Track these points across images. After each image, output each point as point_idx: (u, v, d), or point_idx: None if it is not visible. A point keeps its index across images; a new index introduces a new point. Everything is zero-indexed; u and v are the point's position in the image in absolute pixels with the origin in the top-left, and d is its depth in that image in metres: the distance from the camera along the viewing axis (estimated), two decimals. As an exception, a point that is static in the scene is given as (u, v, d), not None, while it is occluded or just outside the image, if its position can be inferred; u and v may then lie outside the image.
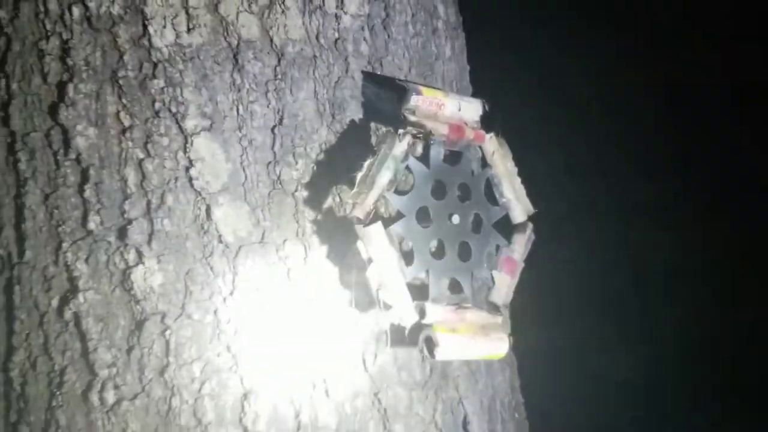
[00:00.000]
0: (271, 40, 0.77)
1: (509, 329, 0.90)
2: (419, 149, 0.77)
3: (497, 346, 0.76)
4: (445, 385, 0.84)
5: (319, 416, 0.76)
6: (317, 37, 0.79)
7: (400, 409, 0.80)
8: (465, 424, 0.84)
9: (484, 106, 0.79)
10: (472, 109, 0.78)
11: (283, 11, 0.77)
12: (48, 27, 0.76)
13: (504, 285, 0.80)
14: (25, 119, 0.76)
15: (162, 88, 0.74)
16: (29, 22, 0.76)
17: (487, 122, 0.79)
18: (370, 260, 0.71)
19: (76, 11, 0.75)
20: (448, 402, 0.84)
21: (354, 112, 0.79)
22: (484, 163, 0.80)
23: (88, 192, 0.74)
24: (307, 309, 0.76)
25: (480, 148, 0.79)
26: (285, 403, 0.75)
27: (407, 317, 0.72)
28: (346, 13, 0.80)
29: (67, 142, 0.75)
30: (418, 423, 0.81)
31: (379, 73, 0.81)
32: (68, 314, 0.74)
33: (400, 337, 0.75)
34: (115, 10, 0.75)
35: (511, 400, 0.95)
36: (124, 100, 0.74)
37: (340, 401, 0.77)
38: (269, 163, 0.76)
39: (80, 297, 0.74)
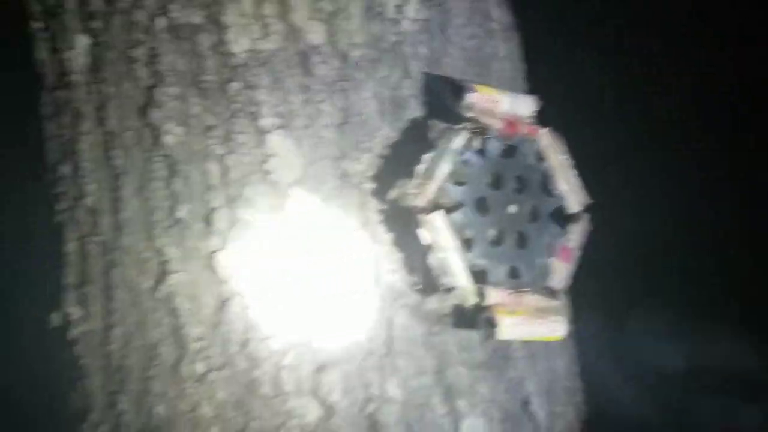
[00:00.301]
0: (337, 45, 0.83)
1: (568, 315, 0.95)
2: (476, 144, 0.83)
3: (555, 328, 0.81)
4: (506, 365, 0.89)
5: (387, 389, 0.82)
6: (379, 41, 0.85)
7: (463, 386, 0.85)
8: (525, 403, 0.90)
9: (537, 103, 0.84)
10: (525, 105, 0.83)
11: (347, 18, 0.84)
12: (136, 36, 0.83)
13: (561, 271, 0.84)
14: (120, 120, 0.84)
15: (239, 91, 0.81)
16: (120, 32, 0.84)
17: (540, 117, 0.84)
18: (431, 246, 0.77)
19: (162, 22, 0.82)
20: (508, 382, 0.89)
21: (414, 110, 0.85)
22: (539, 157, 0.85)
23: (176, 184, 0.82)
24: (374, 292, 0.83)
25: (534, 142, 0.84)
26: (355, 377, 0.82)
27: (468, 299, 0.78)
28: (405, 17, 0.86)
29: (156, 140, 0.82)
30: (480, 400, 0.86)
31: (437, 73, 0.87)
32: (161, 294, 0.82)
33: (462, 318, 0.82)
34: (197, 20, 0.82)
35: (570, 384, 0.99)
36: (206, 102, 0.82)
37: (406, 377, 0.83)
38: (336, 158, 0.83)
39: (171, 278, 0.82)
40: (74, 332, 0.90)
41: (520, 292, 0.80)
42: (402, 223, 0.82)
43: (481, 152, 0.80)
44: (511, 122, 0.81)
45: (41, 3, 0.90)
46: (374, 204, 0.83)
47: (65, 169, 0.90)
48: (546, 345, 0.94)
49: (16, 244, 1.09)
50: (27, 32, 0.92)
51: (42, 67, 0.92)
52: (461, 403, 0.85)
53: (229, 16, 0.82)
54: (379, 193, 0.83)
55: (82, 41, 0.87)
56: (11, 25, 0.96)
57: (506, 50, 0.95)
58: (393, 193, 0.83)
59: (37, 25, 0.92)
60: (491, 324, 0.76)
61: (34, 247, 0.98)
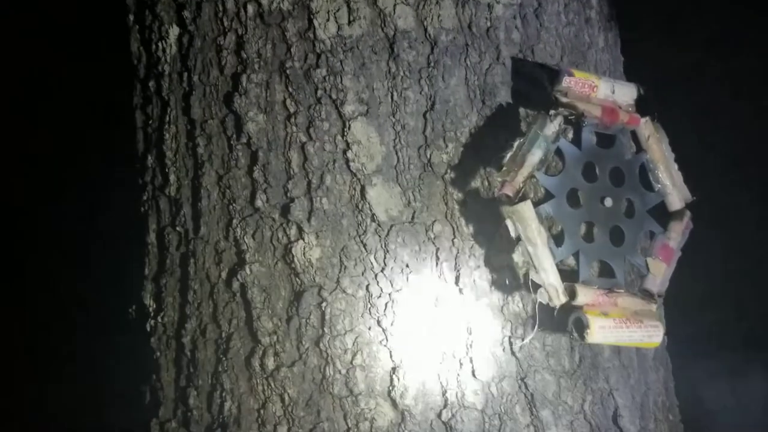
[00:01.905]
0: (426, 30, 0.80)
1: (664, 325, 0.87)
2: (571, 134, 0.77)
3: (651, 333, 0.74)
4: (596, 375, 0.82)
5: (465, 395, 0.77)
6: (470, 26, 0.81)
7: (548, 396, 0.79)
8: (616, 417, 0.82)
9: (639, 90, 0.78)
10: (626, 93, 0.77)
11: (437, 2, 0.80)
12: (225, 24, 0.83)
13: (659, 273, 0.77)
14: (204, 108, 0.84)
15: (324, 77, 0.79)
16: (209, 20, 0.84)
17: (642, 106, 0.78)
18: (518, 239, 0.72)
19: (251, 8, 0.82)
20: (598, 393, 0.82)
21: (504, 98, 0.81)
22: (639, 148, 0.79)
23: (257, 173, 0.80)
24: (454, 289, 0.78)
25: (634, 132, 0.78)
26: (432, 380, 0.77)
27: (556, 298, 0.72)
28: (498, 2, 0.82)
29: (239, 128, 0.81)
30: (566, 411, 0.79)
31: (530, 60, 0.82)
32: (235, 285, 0.80)
33: (548, 319, 0.75)
34: (285, 6, 0.81)
35: (665, 400, 0.91)
36: (290, 89, 0.80)
37: (486, 382, 0.77)
38: (420, 146, 0.79)
39: (247, 269, 0.80)
40: (150, 324, 0.90)
41: (614, 292, 0.73)
42: (487, 214, 0.77)
43: (575, 141, 0.75)
44: (611, 110, 0.75)
45: (136, -5, 0.92)
46: (458, 196, 0.78)
47: (151, 158, 0.90)
48: (640, 356, 0.85)
49: (104, 236, 1.11)
50: (121, 25, 0.95)
51: (134, 58, 0.94)
52: (545, 414, 0.78)
53: (317, 1, 0.80)
54: (464, 183, 0.79)
55: (174, 32, 0.87)
56: (106, 19, 0.99)
57: (605, 40, 0.89)
58: (478, 183, 0.78)
59: (131, 17, 0.94)
60: (581, 326, 0.70)
61: (119, 239, 1.00)
